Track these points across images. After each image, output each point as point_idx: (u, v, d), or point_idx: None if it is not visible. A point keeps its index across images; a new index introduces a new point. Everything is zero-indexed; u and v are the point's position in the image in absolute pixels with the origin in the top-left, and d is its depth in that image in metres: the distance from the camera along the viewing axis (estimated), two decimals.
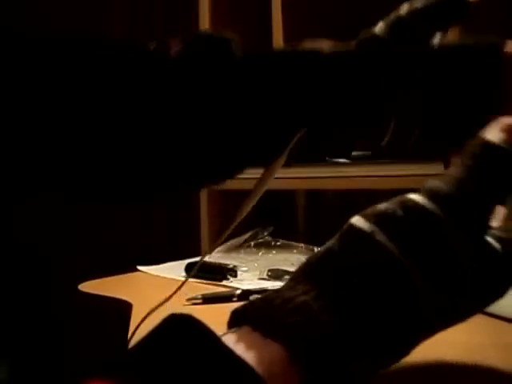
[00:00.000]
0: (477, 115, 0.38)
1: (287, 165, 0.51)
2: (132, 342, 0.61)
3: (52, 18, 1.95)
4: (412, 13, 0.42)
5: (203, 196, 1.36)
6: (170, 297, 0.58)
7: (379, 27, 0.46)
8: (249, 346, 0.31)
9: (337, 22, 1.36)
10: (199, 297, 0.79)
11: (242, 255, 1.18)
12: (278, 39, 1.24)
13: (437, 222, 0.33)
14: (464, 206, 0.34)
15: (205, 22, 1.36)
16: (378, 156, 1.14)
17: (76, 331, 1.28)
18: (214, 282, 0.94)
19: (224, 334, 0.33)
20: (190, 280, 1.01)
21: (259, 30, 1.35)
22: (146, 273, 1.07)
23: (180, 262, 1.11)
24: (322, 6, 1.33)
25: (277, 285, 0.88)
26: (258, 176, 0.51)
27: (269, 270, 0.98)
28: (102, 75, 0.34)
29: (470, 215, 0.34)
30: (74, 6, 1.82)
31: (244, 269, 1.03)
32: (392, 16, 0.44)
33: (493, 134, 0.34)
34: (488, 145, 0.34)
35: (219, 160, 0.43)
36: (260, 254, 1.18)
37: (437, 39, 0.40)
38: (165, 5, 1.85)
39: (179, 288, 0.60)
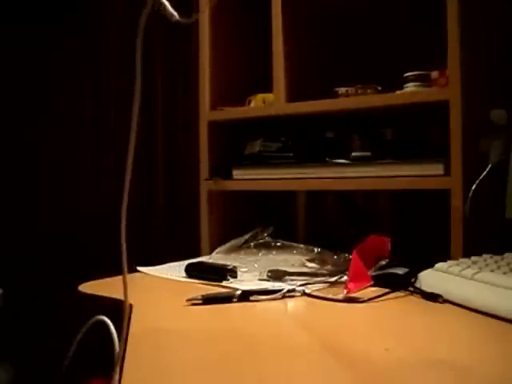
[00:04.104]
0: None
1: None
2: (131, 342, 0.61)
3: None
4: None
5: (203, 196, 1.36)
6: None
7: None
8: None
9: (337, 24, 1.36)
10: (199, 297, 0.79)
11: (242, 256, 1.18)
12: (278, 46, 1.24)
13: None
14: None
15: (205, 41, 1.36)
16: (377, 157, 1.15)
17: (76, 331, 1.28)
18: (214, 283, 0.94)
19: None
20: (190, 280, 1.01)
21: (259, 41, 1.36)
22: (145, 273, 1.07)
23: (180, 262, 1.11)
24: (322, 17, 1.33)
25: (277, 285, 0.88)
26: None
27: (269, 271, 0.98)
28: None
29: None
30: None
31: (244, 269, 1.03)
32: None
33: None
34: None
35: None
36: (260, 254, 1.18)
37: None
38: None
39: None
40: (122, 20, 1.97)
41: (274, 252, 1.19)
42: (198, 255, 1.29)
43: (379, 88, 1.17)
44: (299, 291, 0.84)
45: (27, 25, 2.21)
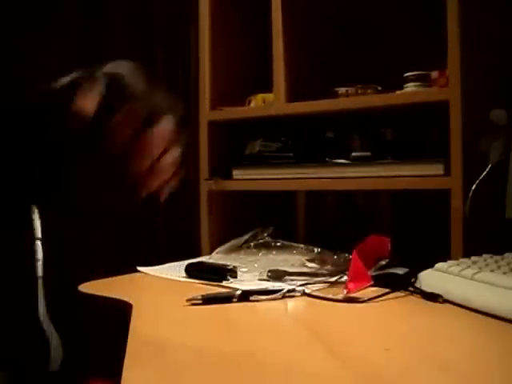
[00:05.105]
0: None
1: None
2: (131, 342, 0.61)
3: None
4: None
5: (203, 196, 1.36)
6: None
7: None
8: None
9: (337, 24, 1.36)
10: (199, 297, 0.79)
11: (242, 256, 1.18)
12: (277, 44, 1.24)
13: None
14: None
15: (205, 32, 1.36)
16: (377, 157, 1.15)
17: (76, 331, 1.28)
18: (214, 283, 0.94)
19: None
20: (191, 280, 1.01)
21: (259, 37, 1.36)
22: (145, 273, 1.07)
23: (180, 262, 1.11)
24: (322, 17, 1.33)
25: (277, 285, 0.88)
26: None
27: (269, 271, 0.98)
28: None
29: None
30: None
31: (244, 269, 1.03)
32: None
33: None
34: None
35: None
36: (260, 254, 1.18)
37: None
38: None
39: None
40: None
41: (274, 252, 1.19)
42: (198, 255, 1.29)
43: (379, 88, 1.17)
44: (299, 291, 0.84)
45: None
